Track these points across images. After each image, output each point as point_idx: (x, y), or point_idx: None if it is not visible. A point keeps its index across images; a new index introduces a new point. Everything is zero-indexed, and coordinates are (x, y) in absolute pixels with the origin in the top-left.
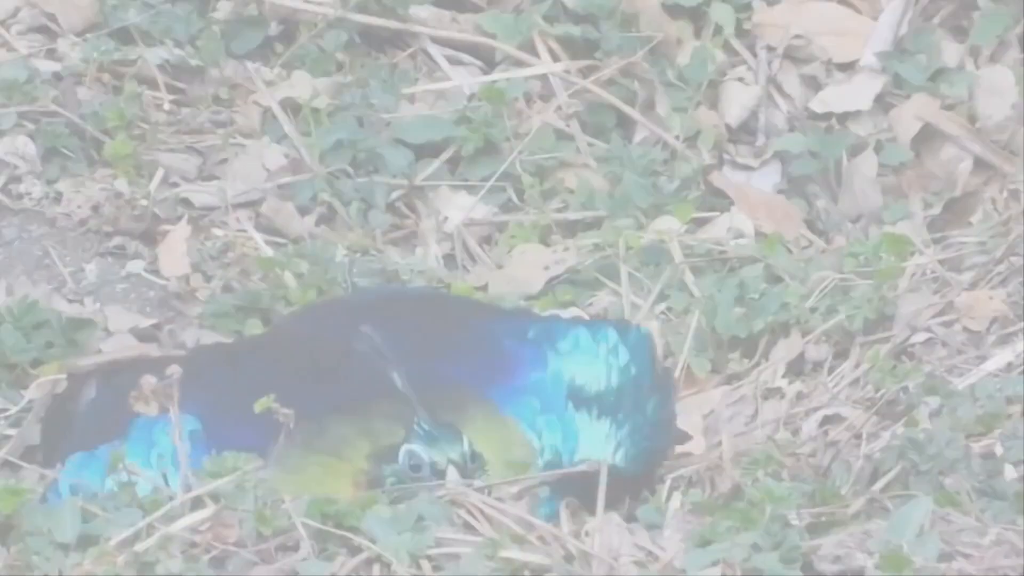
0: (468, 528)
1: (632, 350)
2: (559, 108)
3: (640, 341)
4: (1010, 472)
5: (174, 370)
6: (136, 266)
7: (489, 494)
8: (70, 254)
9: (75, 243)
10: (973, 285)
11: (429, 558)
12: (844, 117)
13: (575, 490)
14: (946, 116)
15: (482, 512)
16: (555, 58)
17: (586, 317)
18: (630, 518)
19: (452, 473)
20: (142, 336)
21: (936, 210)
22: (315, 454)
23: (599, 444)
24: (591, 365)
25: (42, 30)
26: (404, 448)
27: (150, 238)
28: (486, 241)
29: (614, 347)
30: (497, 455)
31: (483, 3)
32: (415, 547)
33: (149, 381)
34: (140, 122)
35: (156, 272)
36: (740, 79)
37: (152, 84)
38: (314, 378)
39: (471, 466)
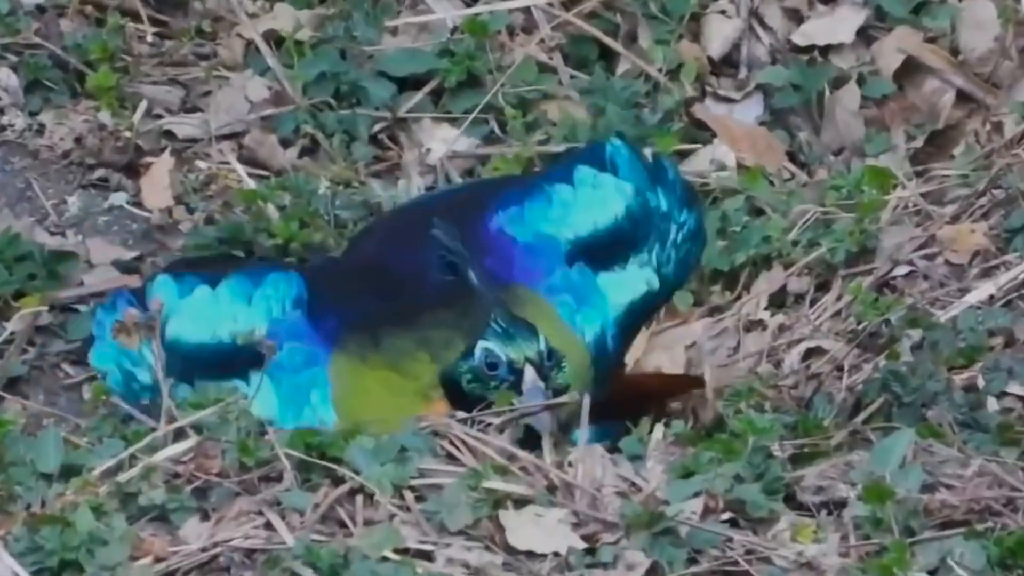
0: (451, 459)
1: (632, 174)
2: (542, 41)
3: (632, 161)
4: (992, 404)
5: (157, 302)
6: (119, 198)
7: (472, 425)
8: (52, 186)
9: (58, 175)
10: (955, 218)
11: (412, 488)
12: (826, 50)
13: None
14: (929, 49)
15: (464, 443)
16: None
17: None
18: (613, 449)
19: (529, 372)
20: (124, 268)
21: (918, 143)
22: (373, 370)
23: (635, 285)
24: (602, 205)
25: None
26: (480, 345)
27: (133, 170)
28: (469, 173)
29: (615, 180)
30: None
31: None
32: (398, 477)
33: (132, 315)
34: (123, 54)
35: (139, 204)
36: (722, 12)
37: (135, 16)
38: (380, 289)
39: (548, 364)
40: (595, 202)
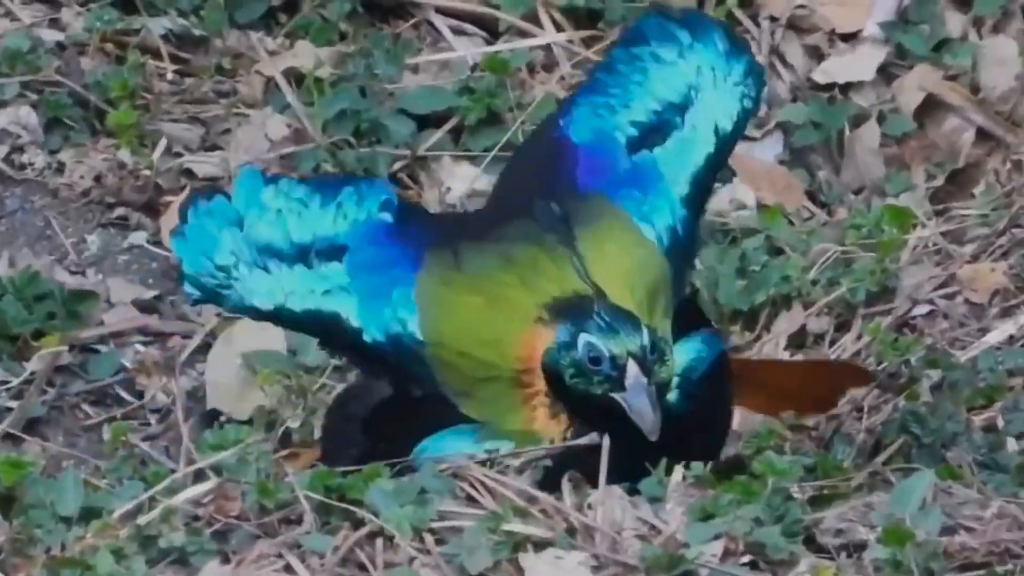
0: (471, 501)
1: (667, 40)
2: (562, 78)
3: (665, 27)
4: (1012, 445)
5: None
6: (138, 237)
7: (492, 467)
8: (72, 225)
9: (77, 214)
10: (975, 257)
11: (432, 531)
12: (846, 87)
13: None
14: (949, 87)
15: (484, 485)
16: (559, 28)
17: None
18: (632, 492)
19: (632, 368)
20: (144, 307)
21: (938, 181)
22: (459, 295)
23: (694, 154)
24: (650, 83)
25: (45, 0)
26: (583, 339)
27: (152, 209)
28: None
29: (652, 51)
30: (640, 285)
31: None
32: (418, 520)
33: (151, 355)
34: (143, 92)
35: (158, 243)
36: None
37: (155, 54)
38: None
39: (651, 358)
40: (642, 83)
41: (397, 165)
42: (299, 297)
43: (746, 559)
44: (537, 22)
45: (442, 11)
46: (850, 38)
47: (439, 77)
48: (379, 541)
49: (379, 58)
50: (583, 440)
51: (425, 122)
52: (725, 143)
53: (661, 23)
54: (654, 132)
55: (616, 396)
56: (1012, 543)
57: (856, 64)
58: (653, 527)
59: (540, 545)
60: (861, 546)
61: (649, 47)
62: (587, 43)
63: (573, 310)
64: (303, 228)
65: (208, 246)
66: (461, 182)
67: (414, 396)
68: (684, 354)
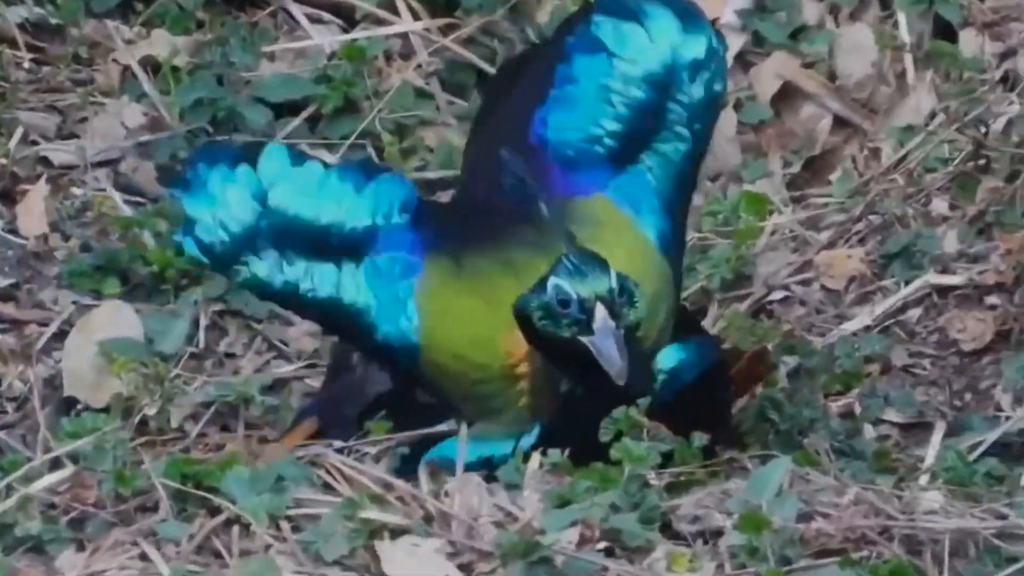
0: (327, 488)
1: (624, 42)
2: (419, 66)
3: (619, 26)
4: (868, 431)
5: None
6: None
7: (349, 454)
8: None
9: None
10: (832, 244)
11: (288, 518)
12: None
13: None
14: (806, 74)
15: (341, 472)
16: (415, 16)
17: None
18: (489, 479)
19: (600, 311)
20: (1, 295)
21: (795, 168)
22: (458, 296)
23: (679, 150)
24: (614, 90)
25: None
26: (552, 281)
27: (9, 197)
28: None
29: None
30: (634, 269)
31: None
32: (274, 507)
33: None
34: None
35: (14, 231)
36: None
37: (12, 43)
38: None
39: (619, 301)
40: (606, 90)
41: None
42: (313, 284)
43: (602, 545)
44: (394, 10)
45: None
46: None
47: (296, 65)
48: (235, 529)
49: (236, 46)
50: (441, 427)
51: (282, 110)
52: (701, 137)
53: (613, 21)
54: (634, 140)
55: (584, 339)
56: (868, 529)
57: None
58: (510, 514)
59: (396, 532)
60: (717, 532)
61: (606, 49)
62: (444, 31)
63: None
64: (324, 214)
65: (225, 214)
66: None
67: (417, 401)
68: (677, 354)
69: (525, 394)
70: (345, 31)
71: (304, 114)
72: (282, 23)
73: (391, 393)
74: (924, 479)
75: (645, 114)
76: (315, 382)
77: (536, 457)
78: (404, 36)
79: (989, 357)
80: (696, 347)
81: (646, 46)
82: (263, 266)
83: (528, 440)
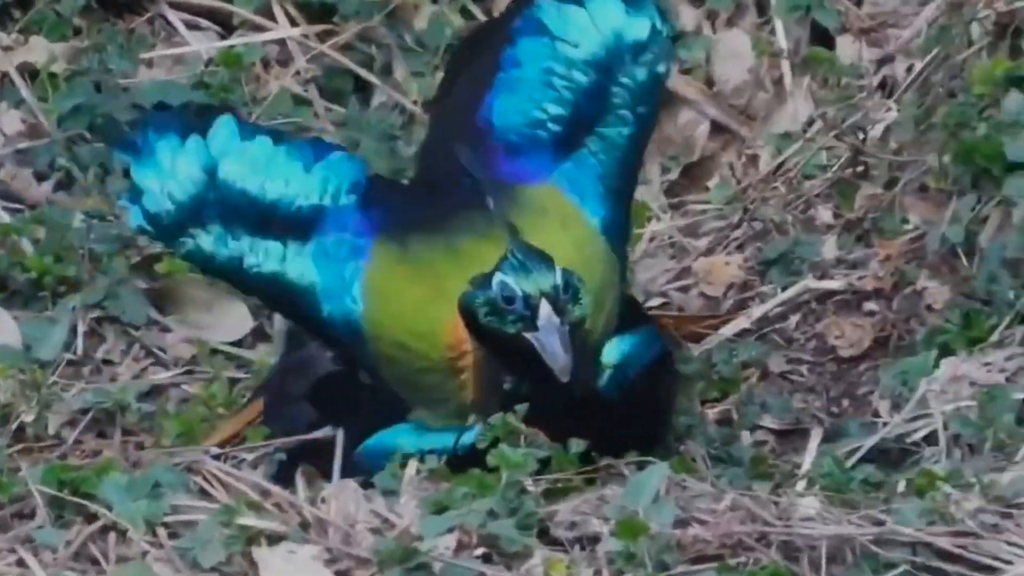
0: (204, 495)
1: (567, 24)
2: (297, 73)
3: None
4: (746, 438)
5: None
6: None
7: (226, 461)
8: None
9: None
10: (710, 250)
11: (165, 525)
12: None
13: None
14: (683, 80)
15: (218, 479)
16: (293, 23)
17: None
18: (366, 485)
19: (545, 308)
20: None
21: (673, 175)
22: (404, 280)
23: (623, 134)
24: (557, 74)
25: None
26: (497, 278)
27: None
28: None
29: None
30: (580, 260)
31: None
32: (151, 514)
33: None
34: None
35: None
36: None
37: None
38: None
39: (563, 298)
40: (550, 74)
41: None
42: (257, 261)
43: (480, 552)
44: (271, 16)
45: (176, 6)
46: None
47: (173, 72)
48: (112, 535)
49: (113, 53)
50: (317, 434)
51: None
52: (645, 120)
53: (557, 4)
54: (577, 124)
55: (528, 336)
56: (745, 535)
57: None
58: (387, 520)
59: (273, 539)
60: (595, 539)
61: (550, 33)
62: (321, 37)
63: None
64: (272, 189)
65: (173, 184)
66: None
67: (363, 383)
68: (622, 347)
69: (467, 387)
70: (223, 37)
71: None
72: (160, 30)
73: (337, 373)
74: (801, 485)
75: (589, 98)
76: (193, 388)
77: (413, 463)
78: (281, 42)
79: (866, 363)
80: (642, 338)
81: (589, 29)
82: (208, 239)
83: (469, 436)
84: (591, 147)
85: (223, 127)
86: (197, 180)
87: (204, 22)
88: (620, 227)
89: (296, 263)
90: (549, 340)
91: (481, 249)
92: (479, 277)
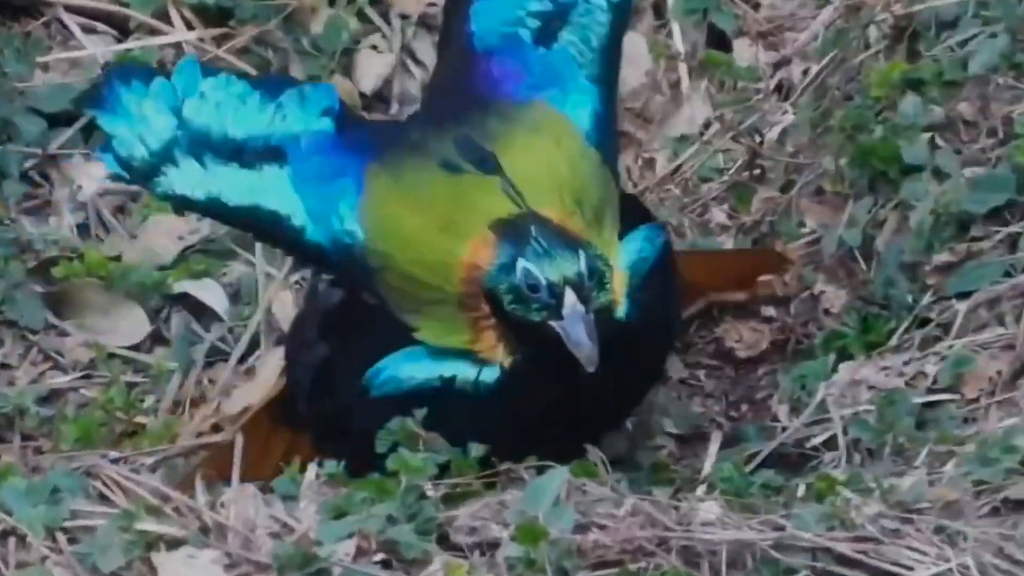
0: (103, 500)
1: None
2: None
3: None
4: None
5: None
6: None
7: (125, 464)
8: None
9: None
10: None
11: (64, 530)
12: None
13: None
14: None
15: (117, 483)
16: (189, 26)
17: None
18: (266, 489)
19: (570, 296)
20: None
21: None
22: (410, 212)
23: (601, 21)
24: None
25: None
26: (521, 265)
27: None
28: (120, 211)
29: None
30: (576, 179)
31: None
32: (50, 519)
33: None
34: None
35: None
36: (374, 47)
37: None
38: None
39: (588, 285)
40: None
41: (28, 163)
42: (234, 192)
43: (379, 557)
44: (168, 20)
45: (72, 9)
46: None
47: (70, 75)
48: (11, 540)
49: (9, 56)
50: (216, 438)
51: (56, 120)
52: (623, 6)
53: None
54: (554, 17)
55: (554, 324)
56: (645, 540)
57: None
58: (286, 525)
59: (173, 544)
60: (494, 544)
61: None
62: (218, 41)
63: (514, 232)
64: (241, 124)
65: (142, 128)
66: (93, 180)
67: (366, 304)
68: (627, 255)
69: (481, 325)
70: (119, 41)
71: (78, 124)
72: (55, 33)
73: (341, 302)
74: (701, 490)
75: None
76: (91, 393)
77: (312, 468)
78: (178, 46)
79: (765, 368)
80: (643, 238)
81: None
82: (182, 176)
83: (490, 373)
84: (569, 38)
85: (186, 68)
86: (165, 121)
87: (100, 26)
88: (608, 121)
89: (274, 190)
90: (575, 329)
91: (481, 181)
92: (499, 224)
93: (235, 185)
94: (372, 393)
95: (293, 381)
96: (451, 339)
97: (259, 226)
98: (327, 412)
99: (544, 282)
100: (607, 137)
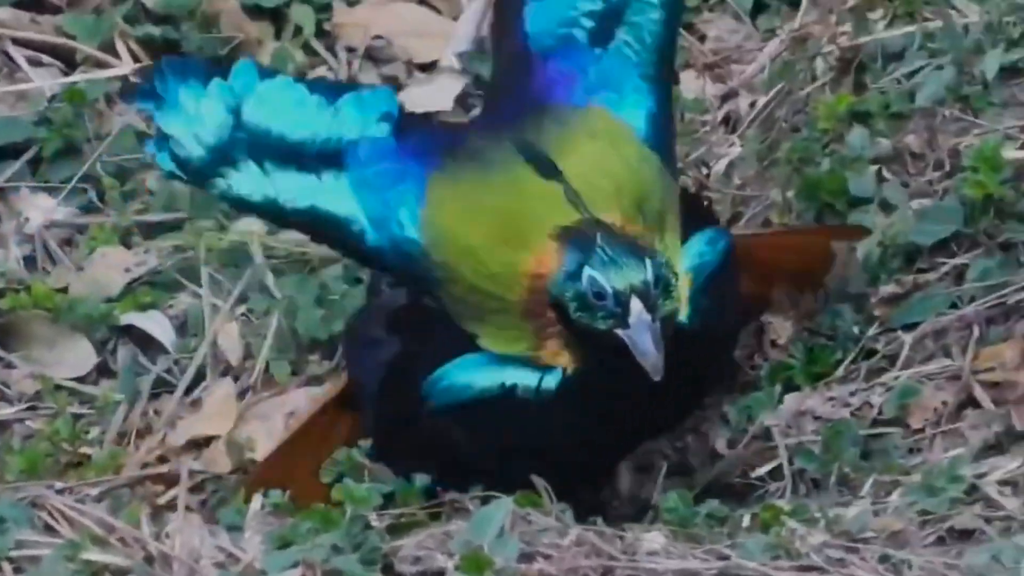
0: (49, 530)
1: None
2: (140, 109)
3: None
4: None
5: None
6: None
7: (71, 495)
8: None
9: None
10: None
11: (10, 560)
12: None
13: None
14: None
15: (63, 514)
16: (136, 59)
17: None
18: (211, 519)
19: (636, 305)
20: None
21: None
22: (471, 221)
23: (654, 19)
24: None
25: None
26: (587, 272)
27: None
28: (67, 243)
29: None
30: (638, 184)
31: (63, 4)
32: None
33: None
34: None
35: None
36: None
37: None
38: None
39: (654, 293)
40: None
41: None
42: (292, 195)
43: None
44: (115, 52)
45: (19, 42)
46: (428, 68)
47: (16, 108)
48: None
49: None
50: (163, 468)
51: (3, 153)
52: (675, 2)
53: None
54: (608, 17)
55: (620, 333)
56: (590, 570)
57: (434, 94)
58: (231, 555)
59: (118, 574)
60: (439, 574)
61: None
62: None
63: (579, 239)
64: (299, 127)
65: (200, 128)
66: (40, 213)
67: (428, 307)
68: (688, 259)
69: (545, 333)
70: (66, 74)
71: (25, 157)
72: (2, 66)
73: (403, 307)
74: (646, 520)
75: None
76: (36, 424)
77: (258, 498)
78: (125, 79)
79: (710, 399)
80: (705, 242)
81: None
82: (240, 178)
83: (552, 379)
84: (624, 37)
85: (243, 69)
86: (223, 122)
87: (47, 58)
88: (665, 120)
89: (333, 194)
90: (641, 338)
91: (543, 187)
92: (563, 232)
93: (293, 188)
94: (432, 402)
95: (357, 384)
96: (513, 347)
97: (317, 229)
98: (394, 419)
99: (610, 290)
100: (665, 138)
